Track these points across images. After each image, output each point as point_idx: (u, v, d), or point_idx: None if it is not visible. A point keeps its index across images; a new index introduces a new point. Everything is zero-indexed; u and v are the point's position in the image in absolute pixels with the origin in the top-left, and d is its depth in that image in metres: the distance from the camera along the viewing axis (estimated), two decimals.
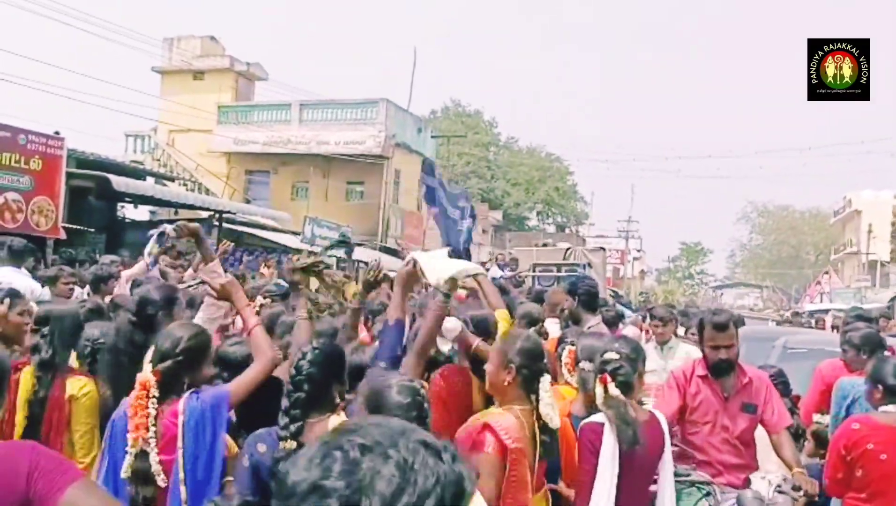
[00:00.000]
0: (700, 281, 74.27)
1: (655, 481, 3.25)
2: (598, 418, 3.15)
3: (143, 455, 2.69)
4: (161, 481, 2.67)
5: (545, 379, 2.93)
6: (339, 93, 30.07)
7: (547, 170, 49.24)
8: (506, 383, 2.93)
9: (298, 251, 19.05)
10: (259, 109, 27.19)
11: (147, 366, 2.80)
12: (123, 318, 3.74)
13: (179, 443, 2.69)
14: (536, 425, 2.88)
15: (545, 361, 3.01)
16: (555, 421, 2.89)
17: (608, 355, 3.26)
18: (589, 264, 15.48)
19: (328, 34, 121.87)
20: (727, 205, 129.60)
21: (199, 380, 2.90)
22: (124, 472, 2.70)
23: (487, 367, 3.04)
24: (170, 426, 2.72)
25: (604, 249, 22.47)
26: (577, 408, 3.50)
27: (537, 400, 2.89)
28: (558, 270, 15.47)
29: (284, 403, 2.55)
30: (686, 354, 5.94)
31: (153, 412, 2.71)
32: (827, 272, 43.03)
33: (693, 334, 7.61)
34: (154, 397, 2.73)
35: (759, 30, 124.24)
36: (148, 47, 25.22)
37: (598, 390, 3.18)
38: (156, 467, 2.67)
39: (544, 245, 20.80)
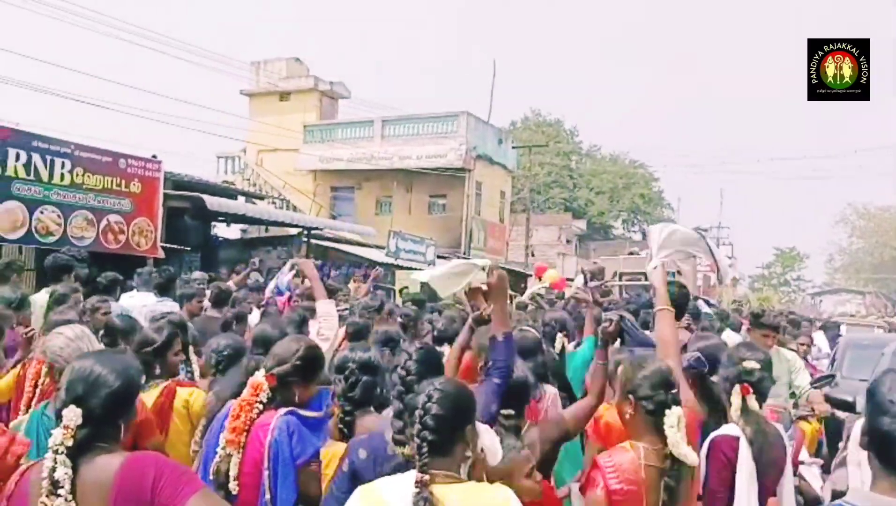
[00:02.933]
0: (797, 287, 71.28)
1: (775, 494, 3.09)
2: (731, 430, 2.95)
3: (229, 457, 2.72)
4: (233, 486, 2.68)
5: (672, 413, 2.59)
6: (420, 107, 30.37)
7: (631, 177, 48.43)
8: (628, 416, 2.68)
9: (384, 265, 19.30)
10: (342, 127, 27.76)
11: (261, 371, 2.84)
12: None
13: (265, 464, 2.68)
14: (665, 464, 2.57)
15: (673, 390, 2.68)
16: (690, 458, 2.56)
17: (749, 365, 3.04)
18: (678, 272, 15.07)
19: (408, 50, 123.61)
20: (824, 207, 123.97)
21: (308, 394, 2.90)
22: (212, 472, 2.73)
23: (615, 399, 2.81)
24: (256, 438, 2.72)
25: (694, 256, 21.87)
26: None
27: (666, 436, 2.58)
28: (645, 279, 15.14)
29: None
30: (789, 363, 5.63)
31: (255, 416, 2.74)
32: None
33: (803, 344, 7.29)
34: (261, 401, 2.76)
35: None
36: (236, 71, 26.17)
37: (736, 400, 2.98)
38: (233, 472, 2.69)
39: (630, 254, 20.44)
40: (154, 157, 12.29)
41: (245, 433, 2.72)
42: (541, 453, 3.09)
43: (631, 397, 2.66)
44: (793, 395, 5.69)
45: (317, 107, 28.14)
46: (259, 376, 2.82)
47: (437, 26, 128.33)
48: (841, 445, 6.27)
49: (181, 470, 2.01)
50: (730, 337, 7.20)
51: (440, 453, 2.16)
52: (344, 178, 27.29)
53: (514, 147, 31.17)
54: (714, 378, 3.14)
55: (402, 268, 19.22)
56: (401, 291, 15.85)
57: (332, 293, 7.56)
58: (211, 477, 2.72)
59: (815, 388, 5.82)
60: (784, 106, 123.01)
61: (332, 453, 2.88)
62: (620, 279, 14.68)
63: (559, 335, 5.46)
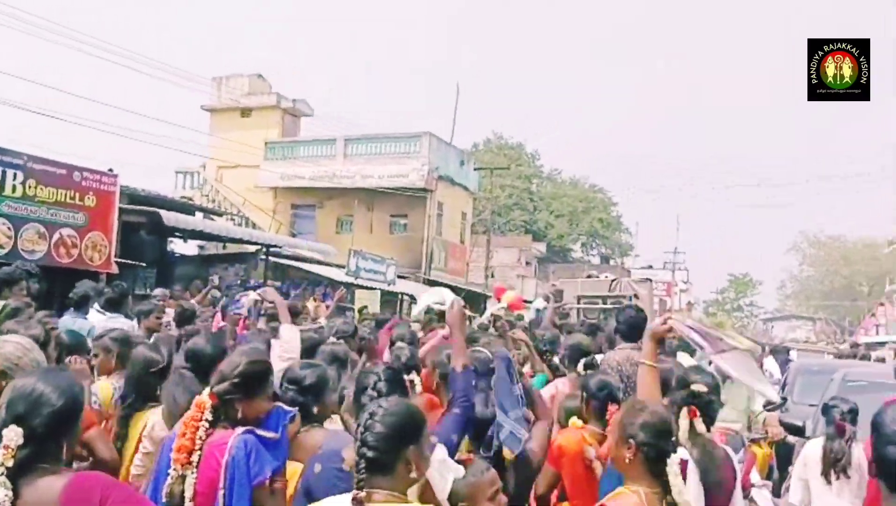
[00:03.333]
0: (750, 313, 72.75)
1: None
2: (680, 453, 2.91)
3: (182, 478, 2.66)
4: None
5: (673, 460, 2.57)
6: (383, 127, 30.43)
7: (590, 201, 49.06)
8: (627, 461, 2.64)
9: (344, 284, 19.19)
10: (305, 145, 27.65)
11: (206, 391, 2.80)
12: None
13: (221, 483, 2.64)
14: None
15: (673, 438, 2.67)
16: None
17: (697, 388, 3.05)
18: (635, 296, 15.29)
19: (372, 70, 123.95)
20: (777, 235, 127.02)
21: (254, 410, 2.81)
22: (164, 494, 2.68)
23: (609, 439, 2.80)
24: (212, 457, 2.68)
25: (650, 280, 22.20)
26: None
27: (667, 484, 2.55)
28: (604, 302, 15.30)
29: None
30: (748, 389, 5.71)
31: (203, 435, 2.69)
32: (882, 304, 41.77)
33: None
34: (206, 420, 2.71)
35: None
36: (198, 86, 25.95)
37: (683, 423, 2.99)
38: (189, 493, 2.64)
39: (589, 277, 20.66)
40: (110, 170, 12.08)
41: (192, 453, 2.67)
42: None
43: (632, 441, 2.62)
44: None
45: (279, 124, 28.00)
46: (203, 395, 2.78)
47: (401, 49, 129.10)
48: (791, 468, 6.39)
49: (128, 492, 1.97)
50: (684, 360, 7.26)
51: (380, 472, 2.15)
52: (305, 196, 27.14)
53: (476, 169, 31.37)
54: (664, 401, 3.15)
55: (362, 287, 19.14)
56: (360, 310, 15.79)
57: (295, 314, 7.54)
58: (164, 499, 2.66)
59: (769, 411, 5.89)
60: (740, 135, 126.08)
61: (291, 470, 2.86)
62: (579, 302, 14.79)
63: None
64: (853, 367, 8.19)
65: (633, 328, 5.11)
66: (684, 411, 3.02)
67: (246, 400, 2.79)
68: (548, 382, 5.37)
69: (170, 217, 14.18)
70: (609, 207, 50.31)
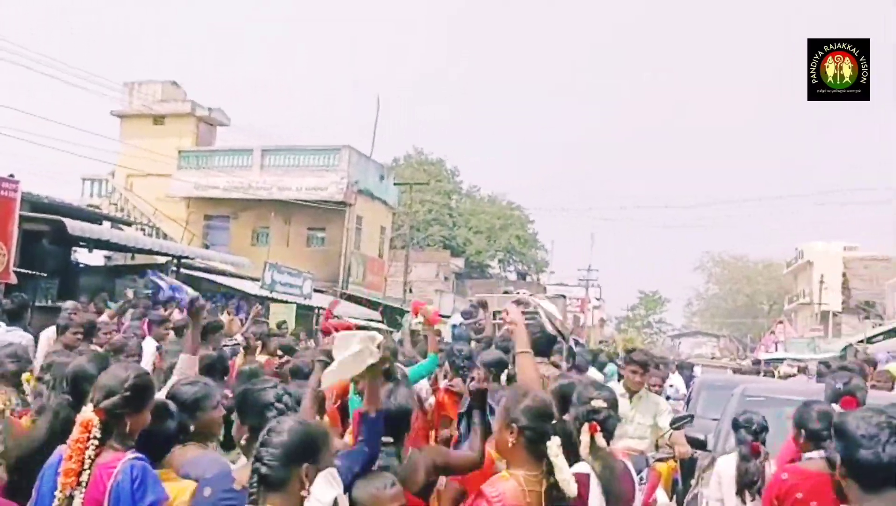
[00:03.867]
0: (659, 330, 75.08)
1: None
2: (582, 467, 3.02)
3: (70, 499, 2.58)
4: None
5: (554, 442, 2.66)
6: (301, 139, 30.09)
7: (508, 218, 49.74)
8: (510, 445, 2.71)
9: (258, 297, 18.82)
10: (220, 155, 27.06)
11: (89, 406, 2.70)
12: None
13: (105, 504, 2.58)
14: (547, 493, 2.63)
15: (554, 421, 2.77)
16: (571, 487, 2.62)
17: (597, 404, 3.14)
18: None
19: (291, 81, 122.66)
20: (684, 254, 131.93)
21: (141, 423, 2.78)
22: None
23: (493, 426, 2.88)
24: (100, 480, 2.60)
25: (564, 296, 22.64)
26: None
27: (549, 465, 2.64)
28: None
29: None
30: (656, 406, 5.88)
31: (91, 455, 2.61)
32: (781, 322, 43.85)
33: (654, 386, 7.48)
34: (95, 437, 2.63)
35: (718, 64, 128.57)
36: (108, 91, 24.99)
37: (584, 438, 3.07)
38: None
39: (505, 292, 20.86)
40: (11, 176, 11.55)
41: (80, 474, 2.59)
42: (424, 476, 3.17)
43: (514, 425, 2.70)
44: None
45: (193, 133, 27.31)
46: (88, 412, 2.67)
47: (322, 62, 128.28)
48: (693, 481, 6.62)
49: None
50: (594, 376, 7.44)
51: (273, 488, 2.16)
52: (219, 206, 26.52)
53: (395, 184, 31.39)
54: (566, 417, 3.21)
55: (277, 301, 18.82)
56: (278, 325, 15.53)
57: (216, 329, 7.40)
58: None
59: (676, 428, 5.96)
60: (648, 158, 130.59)
61: (178, 488, 2.80)
62: (495, 317, 14.92)
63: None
64: (753, 382, 8.56)
65: (543, 344, 5.23)
66: (585, 426, 3.10)
67: (136, 414, 2.75)
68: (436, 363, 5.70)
69: (74, 226, 13.66)
70: (526, 225, 51.12)
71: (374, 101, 29.38)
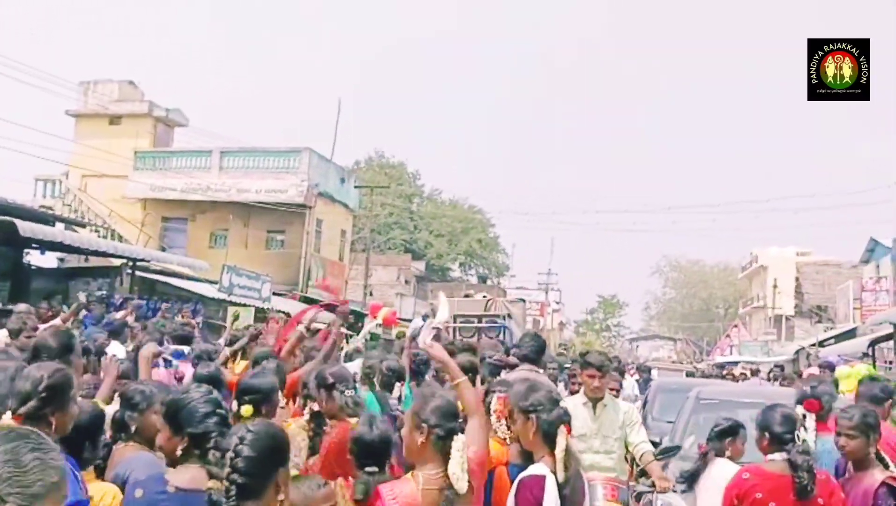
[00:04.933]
0: (617, 333, 75.97)
1: None
2: (538, 470, 3.10)
3: None
4: None
5: (458, 439, 2.77)
6: (261, 141, 29.81)
7: (469, 222, 49.90)
8: (419, 445, 2.81)
9: (216, 301, 18.58)
10: (178, 156, 26.65)
11: (7, 414, 2.67)
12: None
13: None
14: (442, 491, 2.72)
15: (459, 420, 2.90)
16: (460, 483, 2.70)
17: (566, 406, 3.29)
18: (509, 315, 15.69)
19: (251, 82, 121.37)
20: (642, 259, 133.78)
21: (67, 419, 2.75)
22: None
23: (403, 429, 2.97)
24: None
25: (523, 300, 22.85)
26: (515, 456, 3.45)
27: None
28: (479, 321, 15.61)
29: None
30: (625, 414, 5.12)
31: None
32: (736, 326, 44.75)
33: (612, 389, 7.41)
34: None
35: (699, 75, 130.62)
36: (63, 90, 24.45)
37: (562, 440, 3.13)
38: None
39: (466, 296, 20.97)
40: None
41: None
42: None
43: (424, 425, 2.80)
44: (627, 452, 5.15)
45: (150, 133, 26.85)
46: (6, 419, 2.63)
47: (284, 61, 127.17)
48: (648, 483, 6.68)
49: None
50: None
51: (250, 497, 2.15)
52: (177, 208, 26.11)
53: (356, 186, 31.27)
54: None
55: (234, 304, 18.60)
56: (235, 318, 15.46)
57: (188, 340, 7.35)
58: None
59: (660, 459, 5.35)
60: (609, 163, 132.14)
61: (101, 491, 2.79)
62: (455, 321, 15.01)
63: (397, 384, 5.61)
64: (707, 385, 8.72)
65: (536, 352, 5.62)
66: (562, 428, 3.17)
67: (59, 411, 2.72)
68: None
69: (26, 227, 13.33)
70: (487, 229, 51.35)
71: (335, 104, 29.22)
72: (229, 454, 2.20)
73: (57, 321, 7.96)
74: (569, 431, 3.18)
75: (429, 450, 2.79)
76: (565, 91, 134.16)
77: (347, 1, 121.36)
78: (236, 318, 15.60)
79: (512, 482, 3.24)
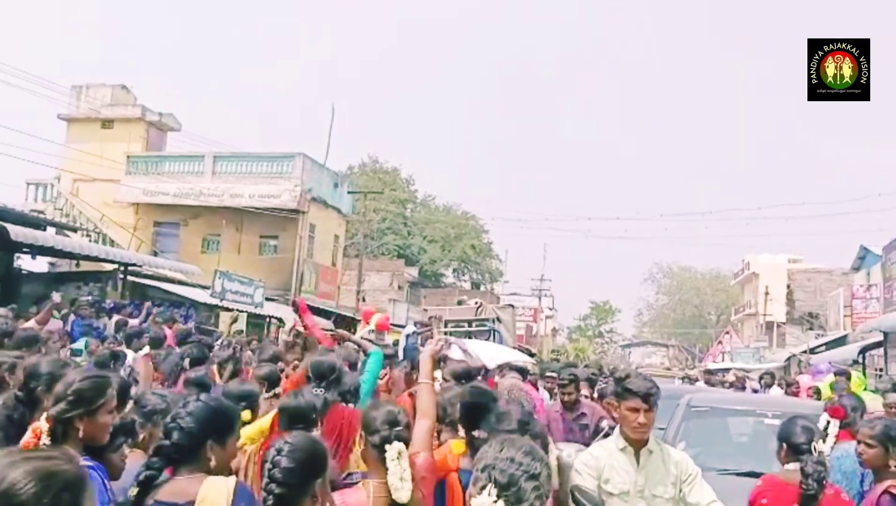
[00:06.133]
0: (610, 339, 76.00)
1: None
2: None
3: None
4: None
5: (392, 447, 2.72)
6: (255, 146, 29.77)
7: (463, 227, 49.87)
8: (363, 453, 2.86)
9: (207, 306, 18.51)
10: (171, 160, 26.57)
11: (43, 416, 2.67)
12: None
13: None
14: (388, 499, 2.71)
15: (398, 428, 2.83)
16: (400, 494, 2.68)
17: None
18: (498, 319, 15.70)
19: (246, 87, 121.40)
20: (635, 265, 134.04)
21: (97, 427, 2.71)
22: None
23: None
24: None
25: (513, 306, 22.86)
26: (466, 463, 3.32)
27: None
28: (469, 326, 15.62)
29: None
30: (679, 464, 3.65)
31: None
32: (728, 332, 44.84)
33: (610, 403, 7.39)
34: (45, 445, 2.57)
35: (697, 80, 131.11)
36: (55, 94, 24.33)
37: (553, 455, 3.29)
38: None
39: (459, 302, 21.00)
40: None
41: None
42: None
43: (363, 433, 2.86)
44: None
45: (143, 137, 26.77)
46: (41, 421, 2.65)
47: (277, 67, 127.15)
48: None
49: None
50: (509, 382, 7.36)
51: None
52: (169, 213, 26.04)
53: (350, 192, 31.24)
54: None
55: (227, 309, 18.54)
56: (234, 321, 15.43)
57: (156, 344, 7.40)
58: None
59: None
60: (601, 170, 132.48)
61: None
62: (446, 326, 15.01)
63: None
64: (698, 392, 8.73)
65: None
66: (552, 446, 3.42)
67: (87, 417, 2.68)
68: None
69: (17, 231, 13.26)
70: (481, 234, 51.32)
71: (328, 109, 29.24)
72: (267, 465, 2.24)
73: (31, 323, 7.88)
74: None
75: (374, 459, 2.78)
76: (558, 99, 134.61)
77: (343, 7, 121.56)
78: (235, 320, 15.57)
79: (464, 489, 3.06)
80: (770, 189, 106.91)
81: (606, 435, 5.81)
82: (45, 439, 2.59)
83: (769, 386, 12.94)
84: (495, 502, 1.90)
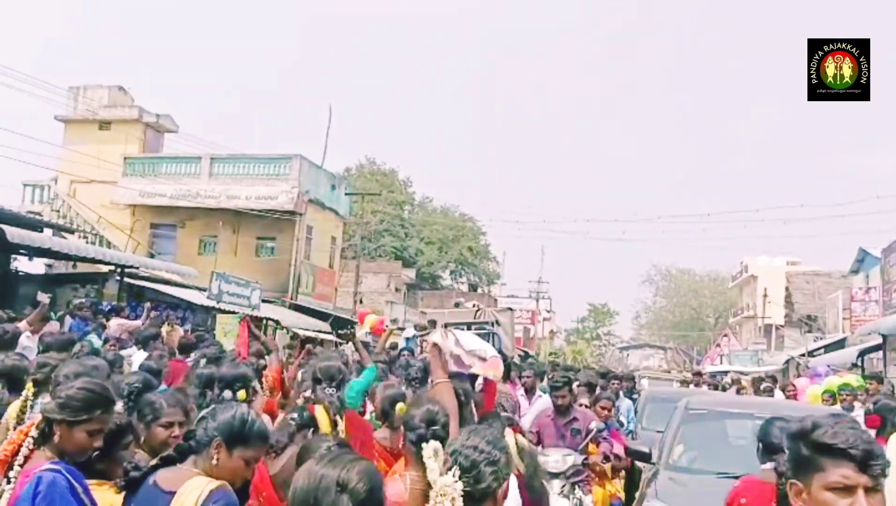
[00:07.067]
0: (607, 342, 75.95)
1: None
2: None
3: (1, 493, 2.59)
4: None
5: (429, 446, 2.73)
6: (251, 148, 29.77)
7: (460, 229, 49.84)
8: (404, 448, 3.02)
9: (204, 308, 18.45)
10: (167, 162, 26.53)
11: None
12: None
13: None
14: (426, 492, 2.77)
15: (435, 427, 3.01)
16: (439, 485, 2.81)
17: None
18: (497, 322, 15.68)
19: (242, 88, 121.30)
20: (632, 267, 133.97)
21: (72, 442, 2.67)
22: None
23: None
24: (21, 482, 2.59)
25: (511, 309, 22.82)
26: None
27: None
28: (468, 329, 15.57)
29: None
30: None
31: (25, 453, 2.59)
32: (726, 335, 44.77)
33: (605, 408, 7.30)
34: (32, 437, 2.63)
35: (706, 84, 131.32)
36: (52, 96, 24.29)
37: (510, 440, 3.34)
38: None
39: (456, 305, 20.96)
40: None
41: (10, 471, 2.60)
42: None
43: (401, 428, 3.07)
44: None
45: (140, 139, 26.72)
46: (37, 416, 2.72)
47: (274, 67, 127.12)
48: (637, 494, 6.66)
49: None
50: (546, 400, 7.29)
51: None
52: (166, 214, 25.99)
53: (347, 194, 31.21)
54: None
55: (223, 312, 18.49)
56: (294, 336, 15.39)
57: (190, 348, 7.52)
58: None
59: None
60: (599, 172, 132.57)
61: (107, 499, 2.74)
62: (445, 329, 14.95)
63: None
64: (696, 395, 8.70)
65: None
66: (508, 430, 3.52)
67: (65, 427, 2.65)
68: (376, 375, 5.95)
69: (14, 233, 13.23)
70: (478, 236, 51.29)
71: (325, 110, 29.20)
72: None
73: (22, 324, 7.84)
74: (516, 430, 3.64)
75: (411, 454, 2.93)
76: (555, 100, 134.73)
77: (340, 9, 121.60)
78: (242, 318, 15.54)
79: None
80: (769, 191, 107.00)
81: (595, 438, 5.86)
82: (34, 433, 2.59)
83: (770, 392, 12.54)
84: (456, 481, 2.20)
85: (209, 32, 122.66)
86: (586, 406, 7.16)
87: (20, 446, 2.57)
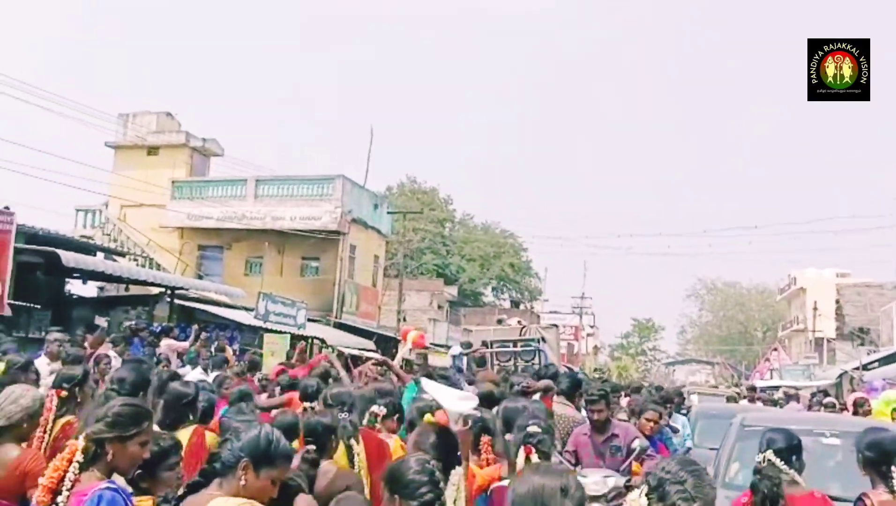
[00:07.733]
0: (653, 357, 74.92)
1: None
2: (507, 483, 3.36)
3: None
4: None
5: (456, 472, 2.97)
6: (295, 169, 30.19)
7: (501, 246, 49.80)
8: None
9: (252, 328, 18.72)
10: (214, 185, 27.08)
11: (82, 435, 2.75)
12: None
13: None
14: None
15: (458, 453, 3.15)
16: None
17: (531, 429, 3.62)
18: (543, 339, 15.56)
19: (286, 111, 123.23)
20: (677, 282, 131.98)
21: (127, 457, 2.77)
22: None
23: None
24: (76, 504, 2.62)
25: (556, 326, 22.66)
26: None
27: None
28: (514, 346, 15.51)
29: None
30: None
31: (71, 479, 2.62)
32: (776, 349, 43.81)
33: (650, 421, 7.07)
34: (77, 462, 2.65)
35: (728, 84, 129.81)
36: (103, 123, 25.03)
37: (521, 459, 3.50)
38: None
39: (499, 322, 20.86)
40: (7, 208, 11.55)
41: (57, 495, 2.62)
42: None
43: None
44: None
45: (187, 163, 27.36)
46: (78, 439, 2.72)
47: (317, 89, 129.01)
48: None
49: None
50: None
51: None
52: (213, 236, 26.50)
53: (389, 212, 31.44)
54: (509, 437, 3.84)
55: (270, 331, 18.73)
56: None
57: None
58: None
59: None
60: (644, 188, 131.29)
61: None
62: (490, 347, 14.93)
63: None
64: (751, 411, 8.53)
65: (571, 387, 6.42)
66: (521, 449, 3.58)
67: (118, 443, 2.74)
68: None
69: (68, 257, 13.61)
70: (519, 253, 51.17)
71: (367, 131, 29.53)
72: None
73: (110, 351, 8.08)
74: (529, 451, 3.56)
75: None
76: (597, 114, 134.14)
77: (380, 31, 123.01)
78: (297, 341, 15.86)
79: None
80: (818, 202, 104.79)
81: (639, 456, 5.50)
82: (79, 457, 2.64)
83: (833, 407, 11.70)
84: (641, 498, 2.39)
85: (251, 57, 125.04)
86: (624, 420, 6.97)
87: (65, 472, 2.62)
